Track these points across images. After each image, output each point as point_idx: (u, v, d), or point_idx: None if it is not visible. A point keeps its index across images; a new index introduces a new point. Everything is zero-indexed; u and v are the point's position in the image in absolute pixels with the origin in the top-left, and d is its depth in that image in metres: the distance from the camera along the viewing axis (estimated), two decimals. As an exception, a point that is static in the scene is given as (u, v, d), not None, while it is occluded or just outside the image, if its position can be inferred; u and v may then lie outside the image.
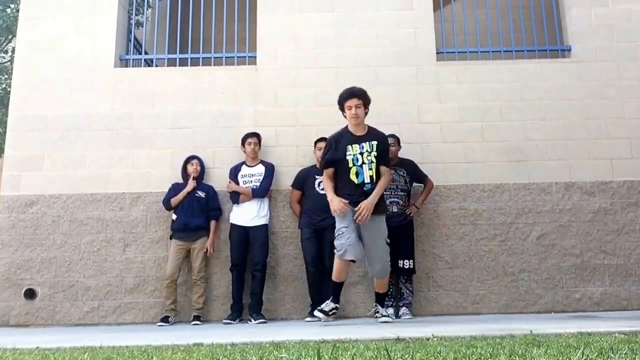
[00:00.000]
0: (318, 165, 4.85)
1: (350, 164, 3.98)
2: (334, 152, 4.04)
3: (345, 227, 3.89)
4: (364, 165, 3.97)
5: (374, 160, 3.97)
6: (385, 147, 4.11)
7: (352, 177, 3.97)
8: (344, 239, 3.88)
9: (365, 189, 3.95)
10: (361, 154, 3.99)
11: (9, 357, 2.35)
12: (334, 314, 4.09)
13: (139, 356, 2.22)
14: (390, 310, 4.56)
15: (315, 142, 4.89)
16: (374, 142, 4.01)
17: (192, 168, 4.88)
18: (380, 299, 4.14)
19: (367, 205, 3.86)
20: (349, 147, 4.01)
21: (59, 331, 4.27)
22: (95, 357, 2.25)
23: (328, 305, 4.08)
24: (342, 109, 4.09)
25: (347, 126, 4.12)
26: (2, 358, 2.31)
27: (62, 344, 2.84)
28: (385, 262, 3.96)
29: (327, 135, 4.88)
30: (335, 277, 4.03)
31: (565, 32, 5.60)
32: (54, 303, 4.83)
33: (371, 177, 3.95)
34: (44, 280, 4.87)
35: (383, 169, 4.04)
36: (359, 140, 4.02)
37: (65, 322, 4.80)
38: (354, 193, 3.95)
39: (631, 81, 5.25)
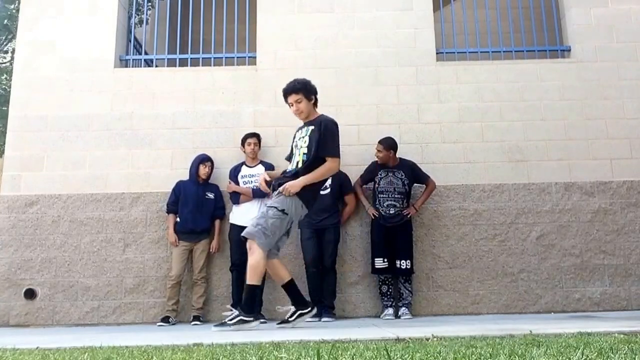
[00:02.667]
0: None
1: (294, 151, 3.82)
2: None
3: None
4: (296, 151, 3.78)
5: (304, 145, 3.71)
6: (322, 132, 3.67)
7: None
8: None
9: (285, 175, 3.72)
10: (300, 138, 3.78)
11: (9, 357, 2.35)
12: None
13: (139, 356, 2.22)
14: (390, 310, 4.57)
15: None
16: (310, 127, 3.74)
17: (204, 170, 4.86)
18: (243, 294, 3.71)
19: (290, 185, 3.56)
20: (296, 134, 3.88)
21: (59, 331, 4.26)
22: (95, 357, 2.25)
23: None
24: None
25: None
26: (2, 358, 2.32)
27: (62, 344, 2.83)
28: (252, 224, 3.61)
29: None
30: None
31: (564, 32, 5.61)
32: (54, 303, 4.83)
33: (297, 162, 3.71)
34: (44, 280, 4.87)
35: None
36: (302, 127, 3.85)
37: (65, 322, 4.80)
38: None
39: (631, 81, 5.25)
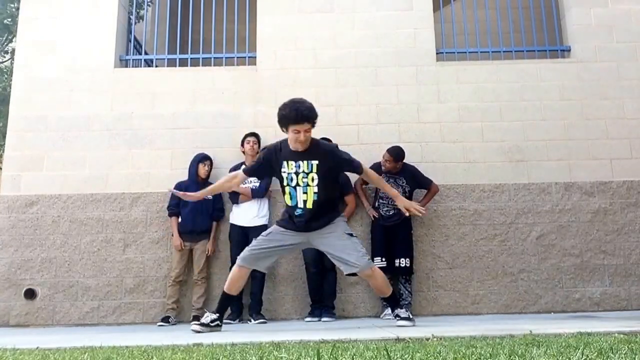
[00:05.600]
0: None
1: (285, 183, 3.47)
2: (266, 163, 3.55)
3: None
4: (297, 188, 3.43)
5: (311, 183, 3.41)
6: (336, 162, 3.50)
7: (286, 198, 3.48)
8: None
9: (296, 213, 3.44)
10: (296, 173, 3.43)
11: (9, 357, 2.35)
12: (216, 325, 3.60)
13: (139, 356, 2.22)
14: (390, 310, 4.56)
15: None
16: (314, 162, 3.41)
17: (204, 170, 4.85)
18: (390, 302, 3.77)
19: (407, 204, 3.71)
20: (285, 163, 3.46)
21: (59, 331, 4.27)
22: (95, 357, 2.25)
23: (209, 317, 3.62)
24: (284, 128, 3.41)
25: (287, 139, 3.50)
26: (2, 358, 2.32)
27: (62, 344, 2.84)
28: (358, 252, 3.50)
29: (328, 136, 4.91)
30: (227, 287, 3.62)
31: (564, 32, 5.61)
32: (54, 303, 4.83)
33: (305, 201, 3.42)
34: (44, 280, 4.87)
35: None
36: (296, 157, 3.44)
37: (65, 322, 4.80)
38: (289, 215, 3.53)
39: (631, 81, 5.25)
